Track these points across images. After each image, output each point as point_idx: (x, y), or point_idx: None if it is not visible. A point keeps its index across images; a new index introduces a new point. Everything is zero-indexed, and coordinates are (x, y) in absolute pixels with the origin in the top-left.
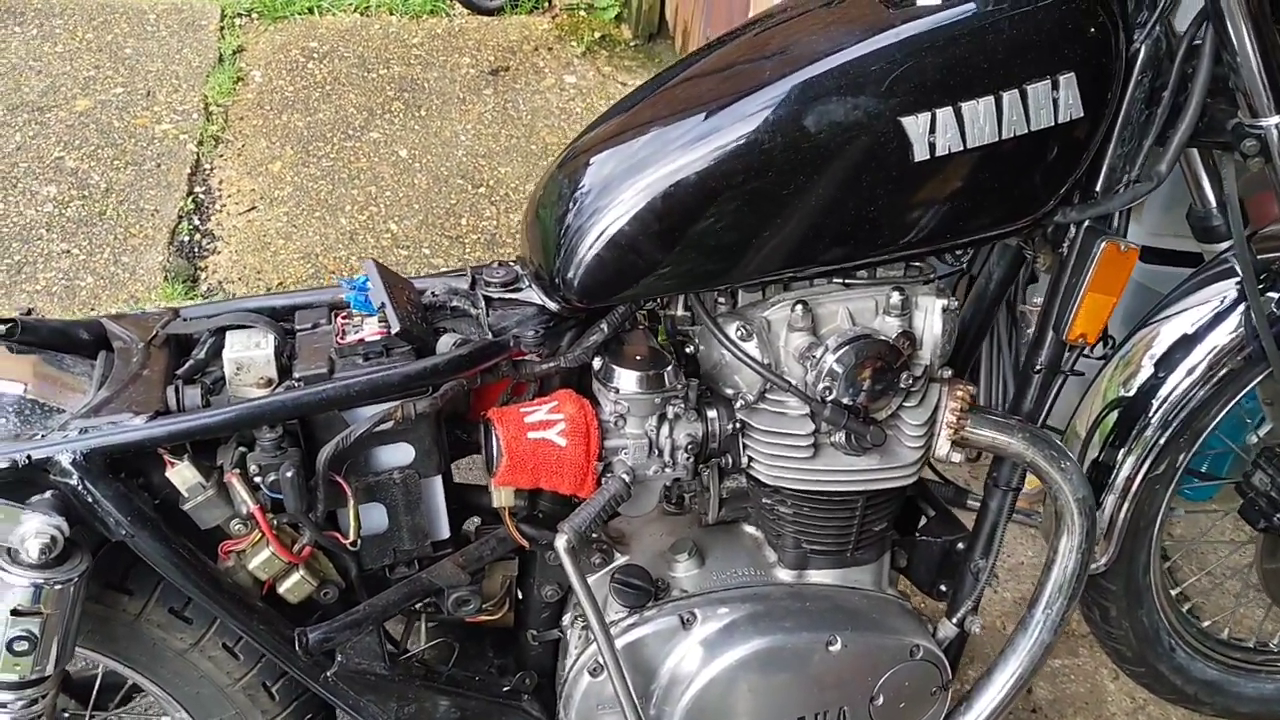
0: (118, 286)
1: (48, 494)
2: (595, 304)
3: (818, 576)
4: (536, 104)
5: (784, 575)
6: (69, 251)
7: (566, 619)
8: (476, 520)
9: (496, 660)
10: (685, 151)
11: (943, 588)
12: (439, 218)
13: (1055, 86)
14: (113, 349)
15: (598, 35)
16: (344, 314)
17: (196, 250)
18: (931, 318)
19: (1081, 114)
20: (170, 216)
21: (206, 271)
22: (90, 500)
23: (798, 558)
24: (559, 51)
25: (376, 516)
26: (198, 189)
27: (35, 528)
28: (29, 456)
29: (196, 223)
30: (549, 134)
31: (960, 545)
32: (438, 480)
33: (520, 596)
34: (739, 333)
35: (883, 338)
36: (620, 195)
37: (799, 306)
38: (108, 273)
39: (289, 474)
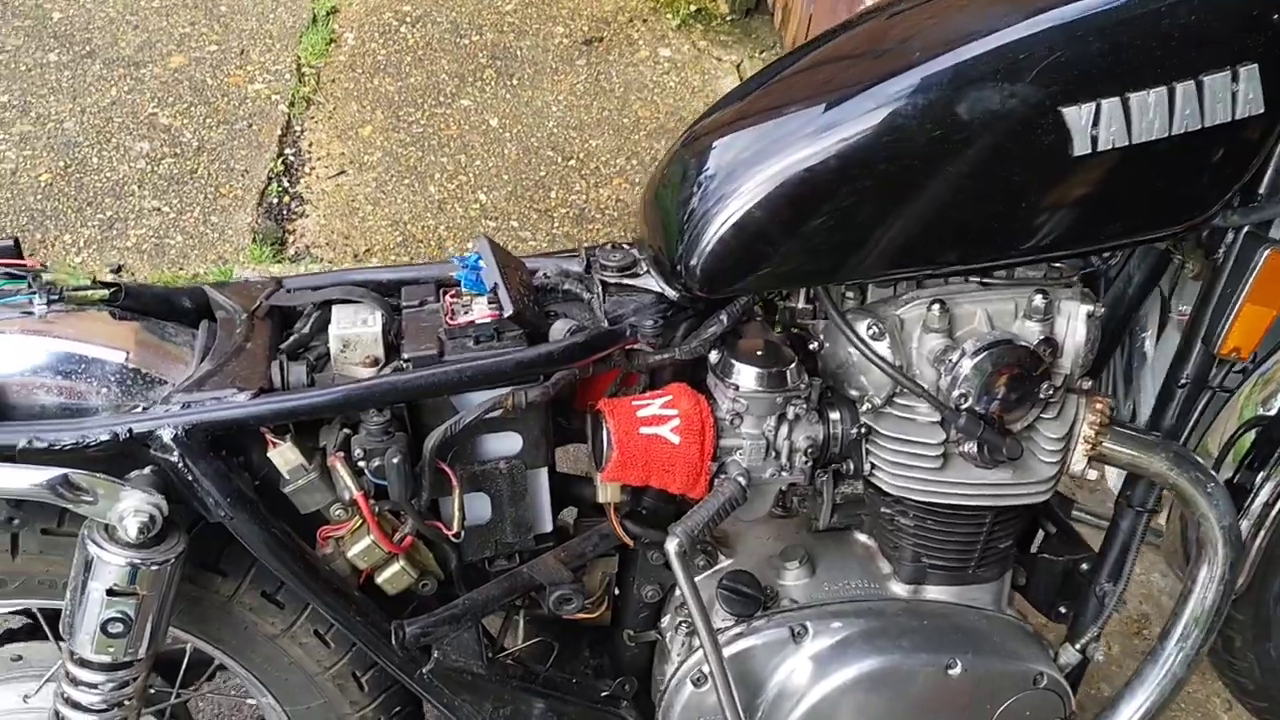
0: (206, 246)
1: (147, 470)
2: (718, 294)
3: (935, 593)
4: (630, 76)
5: (898, 589)
6: (159, 209)
7: (666, 621)
8: (574, 511)
9: (592, 660)
10: (823, 136)
11: (1062, 609)
12: (528, 190)
13: (1235, 79)
14: (214, 318)
15: (694, 8)
16: (452, 292)
17: (285, 213)
18: (1075, 324)
19: (1261, 109)
20: (260, 177)
21: (294, 235)
22: (190, 479)
23: (915, 572)
24: (654, 24)
25: (479, 507)
26: (288, 150)
27: (134, 505)
28: (130, 430)
29: (286, 185)
30: (642, 108)
31: (1084, 566)
32: (544, 472)
33: (618, 594)
34: (870, 331)
35: (1023, 344)
36: (751, 179)
37: (936, 306)
38: (197, 232)
39: (395, 460)
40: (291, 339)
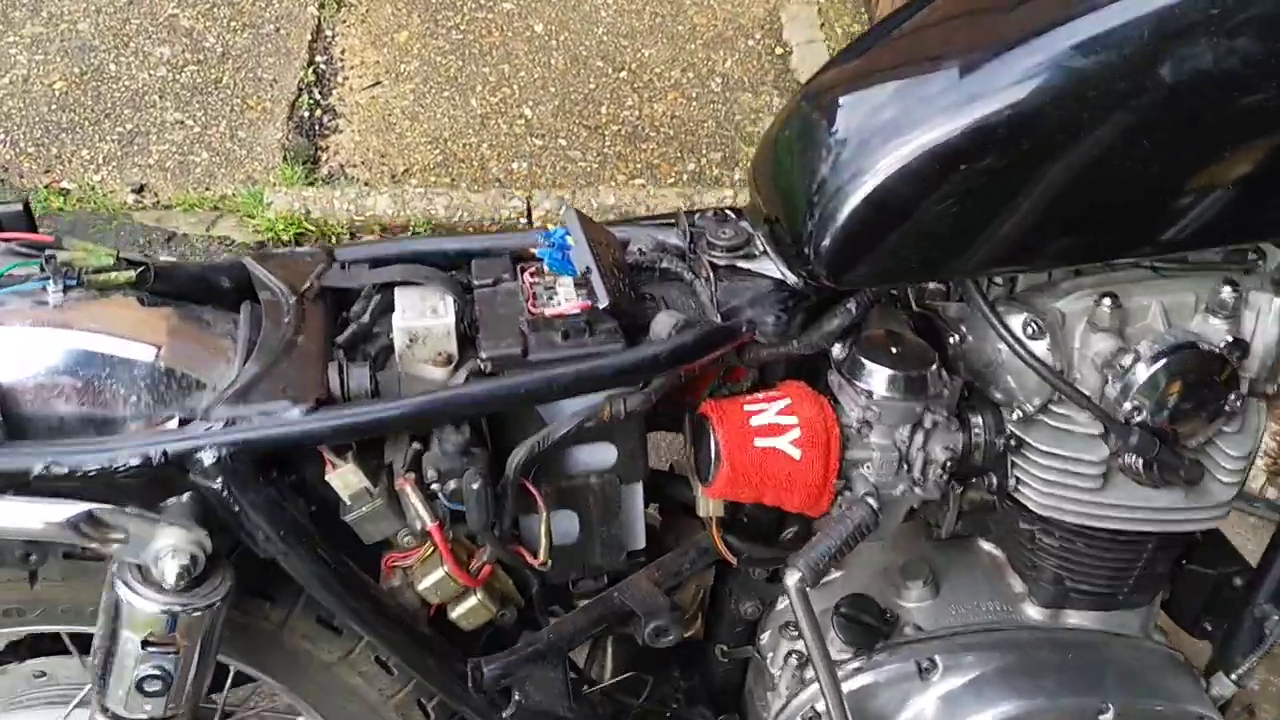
0: (234, 164)
1: (185, 498)
2: (851, 285)
3: (1076, 618)
4: None
5: (1034, 613)
6: (183, 122)
7: (765, 639)
8: (655, 505)
9: (683, 681)
10: (985, 96)
11: (1207, 626)
12: (576, 104)
13: None
14: (257, 299)
15: None
16: (531, 270)
17: (317, 128)
18: (1265, 320)
19: None
20: (290, 88)
21: (328, 153)
22: (236, 509)
23: (1055, 595)
24: None
25: (565, 524)
26: (319, 59)
27: (172, 544)
28: (165, 452)
29: (317, 97)
30: (698, 14)
31: (1236, 580)
32: (639, 486)
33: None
34: (1028, 330)
35: (1208, 346)
36: (895, 148)
37: (1107, 301)
38: (223, 148)
39: (474, 485)
40: (349, 331)
